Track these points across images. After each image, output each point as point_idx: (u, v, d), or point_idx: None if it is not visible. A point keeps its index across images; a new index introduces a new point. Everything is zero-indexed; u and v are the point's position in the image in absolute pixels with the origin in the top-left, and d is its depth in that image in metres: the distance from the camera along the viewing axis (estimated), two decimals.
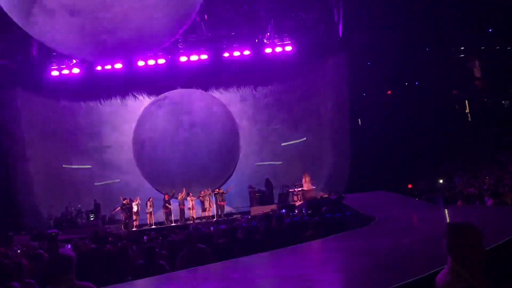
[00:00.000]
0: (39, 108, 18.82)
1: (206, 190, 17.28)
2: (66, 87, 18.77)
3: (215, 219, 16.00)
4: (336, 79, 18.96)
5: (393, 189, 14.43)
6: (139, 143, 19.62)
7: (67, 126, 19.66)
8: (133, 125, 20.04)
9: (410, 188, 17.81)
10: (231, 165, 20.08)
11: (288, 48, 18.42)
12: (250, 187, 17.77)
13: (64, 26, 10.82)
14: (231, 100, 20.65)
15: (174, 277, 4.23)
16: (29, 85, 18.00)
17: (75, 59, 17.72)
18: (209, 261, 4.73)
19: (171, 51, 18.27)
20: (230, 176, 20.06)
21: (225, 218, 15.79)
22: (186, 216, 16.91)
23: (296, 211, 12.48)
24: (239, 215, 16.13)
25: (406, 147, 18.27)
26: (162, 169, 19.02)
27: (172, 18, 11.98)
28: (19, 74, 17.48)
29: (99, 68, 18.37)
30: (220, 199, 16.99)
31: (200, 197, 17.11)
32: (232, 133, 19.93)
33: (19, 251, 8.10)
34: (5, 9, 11.09)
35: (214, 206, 17.12)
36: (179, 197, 16.96)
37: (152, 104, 20.17)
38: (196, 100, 19.99)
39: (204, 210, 16.99)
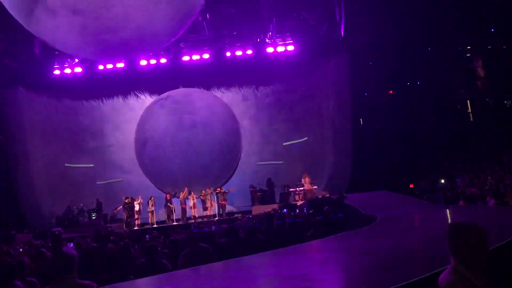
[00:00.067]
0: (41, 107, 18.85)
1: (207, 189, 17.30)
2: (68, 86, 18.83)
3: (216, 218, 16.02)
4: (337, 78, 18.90)
5: (394, 189, 14.45)
6: (141, 142, 19.62)
7: (69, 125, 19.68)
8: (135, 124, 20.05)
9: (411, 188, 17.81)
10: (233, 164, 20.08)
11: (290, 48, 18.43)
12: (252, 186, 17.79)
13: (65, 26, 10.84)
14: (233, 100, 20.65)
15: (176, 276, 4.23)
16: (31, 84, 18.00)
17: (77, 58, 17.74)
18: (211, 260, 4.74)
19: (173, 51, 18.28)
20: (231, 175, 20.06)
21: (227, 217, 15.80)
22: (187, 215, 16.94)
23: (298, 211, 12.47)
24: (240, 215, 16.14)
25: (408, 147, 18.24)
26: (164, 168, 19.03)
27: (173, 18, 11.98)
28: (21, 73, 17.46)
29: (101, 67, 18.39)
30: (222, 199, 17.02)
31: (201, 196, 17.12)
32: (233, 132, 19.92)
33: (21, 249, 8.11)
34: (8, 8, 11.11)
35: (216, 205, 17.15)
36: (180, 196, 16.98)
37: (154, 103, 20.19)
38: (198, 99, 19.96)
39: (205, 209, 17.01)
